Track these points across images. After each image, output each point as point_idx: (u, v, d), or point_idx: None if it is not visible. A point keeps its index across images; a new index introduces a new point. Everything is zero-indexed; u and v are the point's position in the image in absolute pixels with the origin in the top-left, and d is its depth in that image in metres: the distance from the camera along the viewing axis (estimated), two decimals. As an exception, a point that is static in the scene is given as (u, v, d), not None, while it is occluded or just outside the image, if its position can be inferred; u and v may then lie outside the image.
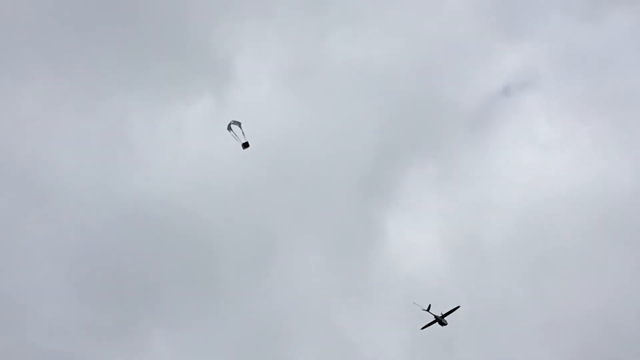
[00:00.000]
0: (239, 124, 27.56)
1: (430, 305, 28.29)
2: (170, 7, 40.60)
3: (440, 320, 28.59)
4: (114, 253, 36.09)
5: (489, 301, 31.06)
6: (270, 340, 34.17)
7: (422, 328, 28.81)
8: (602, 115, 34.30)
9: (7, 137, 38.41)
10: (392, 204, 37.20)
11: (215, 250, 37.63)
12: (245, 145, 28.36)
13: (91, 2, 40.77)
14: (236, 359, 33.80)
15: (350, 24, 39.61)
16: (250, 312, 35.30)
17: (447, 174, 36.75)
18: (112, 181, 38.71)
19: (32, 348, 32.66)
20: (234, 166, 38.53)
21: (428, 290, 33.14)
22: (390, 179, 37.47)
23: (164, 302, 36.19)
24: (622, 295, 27.48)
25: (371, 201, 37.16)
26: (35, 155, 38.33)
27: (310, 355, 33.67)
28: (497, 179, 35.14)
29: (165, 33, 39.99)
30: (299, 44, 40.20)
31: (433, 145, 37.68)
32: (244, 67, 40.77)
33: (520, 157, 35.24)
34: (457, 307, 27.95)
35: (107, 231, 36.56)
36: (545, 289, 29.72)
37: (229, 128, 27.90)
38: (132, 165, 39.89)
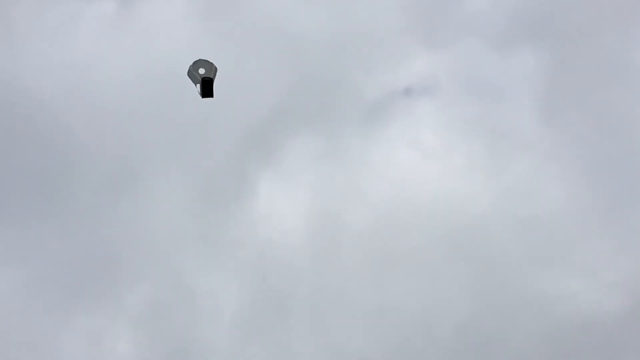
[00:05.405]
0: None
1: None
2: None
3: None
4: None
5: (332, 279, 32.37)
6: (105, 264, 32.92)
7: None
8: (481, 141, 36.52)
9: None
10: (270, 166, 37.00)
11: (74, 160, 35.36)
12: (207, 87, 21.15)
13: None
14: (65, 273, 32.37)
15: (281, -21, 38.81)
16: (93, 231, 33.69)
17: (329, 153, 37.24)
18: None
19: None
20: (118, 81, 36.32)
21: (279, 256, 33.75)
22: (276, 142, 37.22)
23: (4, 196, 33.66)
24: (441, 303, 29.98)
25: (250, 157, 36.73)
26: None
27: (144, 292, 32.82)
28: (372, 171, 36.19)
29: None
30: (226, -19, 38.65)
31: (325, 122, 38.05)
32: (161, -15, 38.41)
33: (399, 156, 36.54)
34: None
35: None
36: (382, 281, 31.48)
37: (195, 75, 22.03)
38: (6, 46, 36.30)
